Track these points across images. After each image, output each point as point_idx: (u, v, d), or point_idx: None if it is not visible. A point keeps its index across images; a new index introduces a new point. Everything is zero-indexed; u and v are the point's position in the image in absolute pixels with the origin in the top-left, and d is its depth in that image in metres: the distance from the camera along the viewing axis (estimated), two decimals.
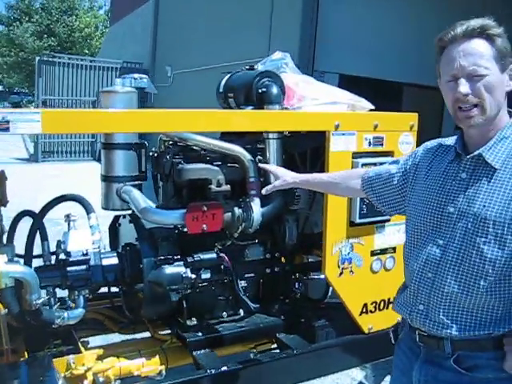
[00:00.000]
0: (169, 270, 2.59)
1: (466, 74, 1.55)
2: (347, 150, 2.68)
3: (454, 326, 1.61)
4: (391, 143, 2.80)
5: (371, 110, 2.92)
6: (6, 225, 2.79)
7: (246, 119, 2.55)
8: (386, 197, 1.94)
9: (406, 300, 1.78)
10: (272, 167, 2.50)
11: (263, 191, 2.42)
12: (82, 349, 2.66)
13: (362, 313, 2.84)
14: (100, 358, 2.68)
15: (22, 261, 2.52)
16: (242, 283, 2.86)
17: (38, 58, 15.63)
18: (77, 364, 2.52)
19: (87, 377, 2.53)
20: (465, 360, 1.63)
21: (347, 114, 2.78)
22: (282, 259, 3.01)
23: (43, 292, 2.60)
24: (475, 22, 1.56)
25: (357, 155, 2.70)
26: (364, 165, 2.66)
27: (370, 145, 2.74)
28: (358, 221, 2.72)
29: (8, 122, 1.99)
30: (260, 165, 2.65)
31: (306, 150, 2.87)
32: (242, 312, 2.90)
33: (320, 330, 2.87)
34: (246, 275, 2.87)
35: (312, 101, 2.81)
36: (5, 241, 2.76)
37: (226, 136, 2.95)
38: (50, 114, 2.08)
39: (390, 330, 1.96)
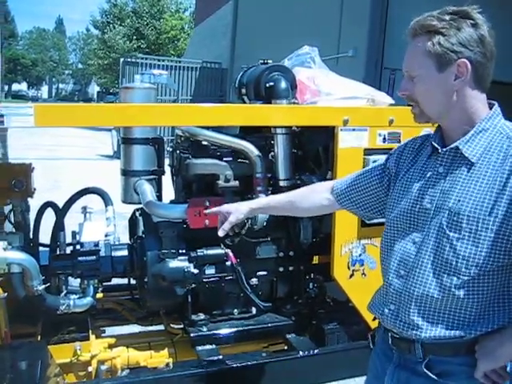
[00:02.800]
0: (171, 263, 2.59)
1: (406, 74, 1.55)
2: (358, 146, 2.57)
3: (424, 327, 1.52)
4: None
5: (391, 104, 2.78)
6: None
7: (241, 113, 2.50)
8: (368, 202, 1.83)
9: (378, 299, 1.71)
10: (221, 208, 2.06)
11: (220, 233, 2.00)
12: (93, 337, 2.73)
13: (376, 318, 2.71)
14: (110, 346, 2.76)
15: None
16: (254, 281, 2.80)
17: (122, 60, 16.31)
18: (83, 351, 2.59)
19: (92, 364, 2.60)
20: (436, 365, 1.54)
21: (358, 108, 2.65)
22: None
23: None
24: (421, 18, 1.50)
25: (369, 152, 2.59)
26: (375, 162, 2.54)
27: (384, 141, 2.61)
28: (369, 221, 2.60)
29: (2, 115, 2.06)
30: (207, 211, 2.29)
31: (318, 146, 2.77)
32: (254, 310, 2.86)
33: (330, 334, 2.78)
34: (258, 273, 2.82)
35: (328, 95, 2.72)
36: (31, 230, 2.91)
37: (243, 131, 2.93)
38: (43, 108, 2.14)
39: (369, 333, 1.87)
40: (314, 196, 1.95)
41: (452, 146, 1.52)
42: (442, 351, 1.52)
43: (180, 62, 18.42)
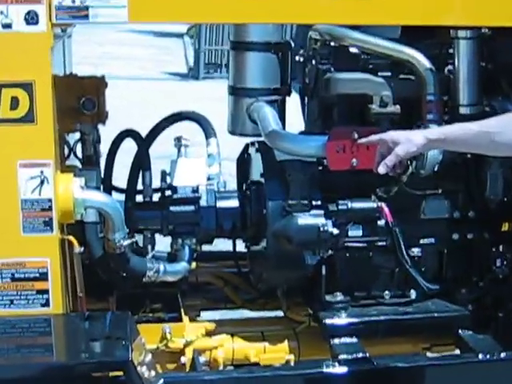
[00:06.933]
0: (301, 219, 2.82)
1: None
2: None
3: None
4: None
5: None
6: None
7: (406, 8, 2.54)
8: None
9: None
10: (384, 135, 2.29)
11: (380, 170, 2.22)
12: (185, 318, 3.03)
13: None
14: (209, 333, 3.04)
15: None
16: (415, 251, 2.98)
17: None
18: (174, 335, 2.88)
19: (185, 353, 2.89)
20: None
21: None
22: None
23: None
24: None
25: None
26: None
27: None
28: None
29: (87, 7, 2.34)
30: (362, 140, 2.53)
31: None
32: (413, 294, 3.06)
33: None
34: (421, 241, 3.01)
35: None
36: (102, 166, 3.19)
37: (406, 36, 3.07)
38: None
39: None
40: None
41: None
42: None
43: None
